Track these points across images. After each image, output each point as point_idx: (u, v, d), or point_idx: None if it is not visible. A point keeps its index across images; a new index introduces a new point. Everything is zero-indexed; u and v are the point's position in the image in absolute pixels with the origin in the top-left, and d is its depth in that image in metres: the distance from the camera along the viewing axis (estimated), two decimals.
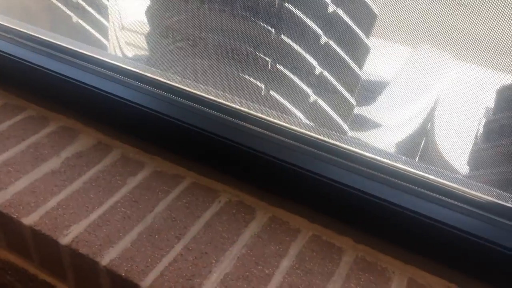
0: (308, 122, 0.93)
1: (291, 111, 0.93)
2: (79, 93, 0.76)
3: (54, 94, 0.79)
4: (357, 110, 0.98)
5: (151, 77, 0.77)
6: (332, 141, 0.66)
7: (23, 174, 0.68)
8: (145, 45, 1.38)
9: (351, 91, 0.92)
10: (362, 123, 1.04)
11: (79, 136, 0.77)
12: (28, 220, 0.62)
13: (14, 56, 0.81)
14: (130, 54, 1.51)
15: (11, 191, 0.66)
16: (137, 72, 0.78)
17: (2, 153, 0.72)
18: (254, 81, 0.91)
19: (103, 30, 1.35)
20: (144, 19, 1.13)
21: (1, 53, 0.82)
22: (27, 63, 0.80)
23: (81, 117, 0.79)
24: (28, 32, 0.85)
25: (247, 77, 0.90)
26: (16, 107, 0.81)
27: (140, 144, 0.74)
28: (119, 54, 1.46)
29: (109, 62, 0.80)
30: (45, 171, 0.69)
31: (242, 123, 0.70)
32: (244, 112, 0.70)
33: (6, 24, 0.88)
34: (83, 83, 0.76)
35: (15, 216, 0.62)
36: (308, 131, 0.68)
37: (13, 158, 0.71)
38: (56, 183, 0.67)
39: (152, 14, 1.03)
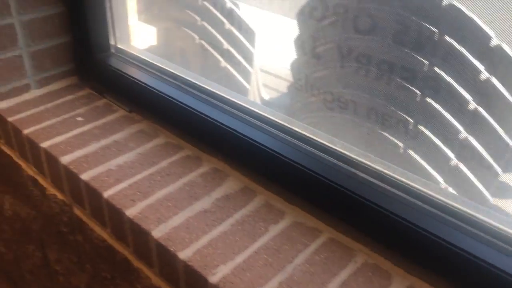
0: (447, 186, 0.91)
1: (429, 173, 0.92)
2: (226, 137, 0.84)
3: (207, 136, 0.88)
4: (502, 177, 0.93)
5: (292, 129, 0.82)
6: (475, 214, 0.64)
7: (179, 210, 0.77)
8: (284, 90, 1.45)
9: (498, 158, 0.88)
10: (506, 190, 0.99)
11: (228, 178, 0.84)
12: (183, 254, 0.69)
13: (175, 99, 0.92)
14: (267, 96, 1.60)
15: (170, 225, 0.74)
16: (278, 122, 0.84)
17: (164, 187, 0.81)
18: (394, 139, 0.92)
19: (246, 75, 1.46)
20: (286, 65, 1.21)
21: (165, 96, 0.93)
22: (184, 106, 0.90)
23: (229, 160, 0.86)
24: (186, 78, 0.97)
25: (387, 134, 0.92)
26: (176, 146, 0.92)
27: (282, 192, 0.79)
28: (258, 96, 1.56)
29: (252, 110, 0.87)
30: (198, 209, 0.77)
31: (382, 184, 0.71)
32: (387, 174, 0.72)
33: (169, 69, 1.01)
34: (230, 127, 0.84)
35: (172, 250, 0.70)
36: (451, 200, 0.67)
37: (172, 193, 0.80)
38: (207, 222, 0.74)
39: (297, 66, 1.10)
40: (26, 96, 1.05)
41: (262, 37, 1.50)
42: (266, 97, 1.63)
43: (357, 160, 0.75)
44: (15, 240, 1.31)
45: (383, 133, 0.92)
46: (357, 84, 0.90)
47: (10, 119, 0.98)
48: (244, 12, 1.50)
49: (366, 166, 0.73)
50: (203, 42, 1.46)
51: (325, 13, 0.87)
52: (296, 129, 0.83)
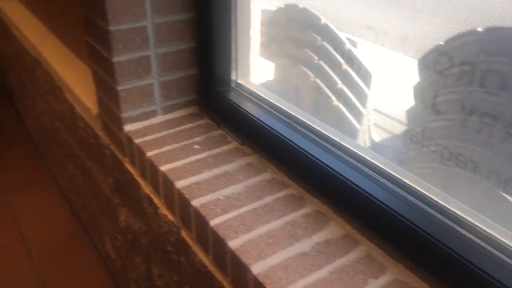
0: None
1: None
2: (332, 181, 0.83)
3: (313, 177, 0.89)
4: None
5: (402, 180, 0.79)
6: None
7: (279, 249, 0.78)
8: (397, 132, 1.41)
9: None
10: None
11: (330, 223, 0.83)
12: None
13: (284, 137, 0.94)
14: (378, 138, 1.57)
15: (269, 262, 0.75)
16: (387, 171, 0.82)
17: (266, 223, 0.83)
18: None
19: (358, 115, 1.45)
20: (402, 107, 1.17)
21: (276, 133, 0.96)
22: (292, 144, 0.91)
23: (333, 204, 0.86)
24: (298, 116, 0.98)
25: (510, 198, 0.84)
26: (282, 183, 0.94)
27: (386, 246, 0.76)
28: (369, 137, 1.53)
29: (361, 155, 0.86)
30: (298, 251, 0.77)
31: (499, 254, 0.65)
32: (507, 244, 0.66)
33: (281, 107, 1.04)
34: (337, 171, 0.83)
35: None
36: None
37: (274, 231, 0.82)
38: (305, 265, 0.74)
39: (413, 114, 1.07)
40: (152, 121, 1.15)
41: (379, 75, 1.48)
42: (377, 138, 1.59)
43: (472, 224, 0.70)
44: (125, 250, 1.42)
45: (505, 195, 0.84)
46: (479, 143, 0.85)
47: (136, 141, 1.08)
48: (363, 50, 1.50)
49: (482, 231, 0.68)
50: (317, 80, 1.48)
51: (449, 67, 0.84)
52: (406, 181, 0.80)
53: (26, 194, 2.36)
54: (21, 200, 2.33)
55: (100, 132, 1.31)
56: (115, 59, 1.04)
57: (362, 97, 1.43)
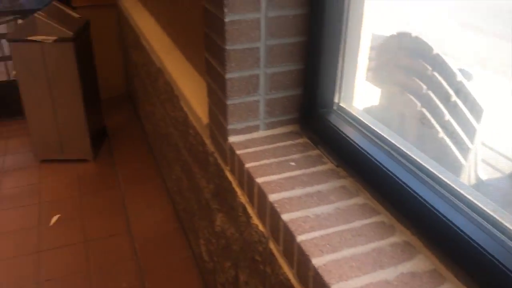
0: None
1: None
2: (426, 214, 0.82)
3: (406, 208, 0.88)
4: None
5: (505, 226, 0.76)
6: None
7: (362, 273, 0.79)
8: (506, 171, 1.33)
9: None
10: None
11: (418, 255, 0.82)
12: None
13: (381, 164, 0.94)
14: (485, 176, 1.48)
15: (350, 285, 0.76)
16: (488, 213, 0.78)
17: (352, 247, 0.84)
18: None
19: (464, 150, 1.39)
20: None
21: (373, 159, 0.97)
22: (389, 172, 0.91)
23: (424, 237, 0.84)
24: (398, 146, 0.98)
25: None
26: (373, 210, 0.94)
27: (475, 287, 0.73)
28: (474, 174, 1.45)
29: (462, 193, 0.83)
30: (380, 278, 0.78)
31: None
32: None
33: (382, 134, 1.04)
34: (432, 205, 0.82)
35: None
36: None
37: (358, 255, 0.83)
38: None
39: None
40: (255, 135, 1.22)
41: (494, 109, 1.41)
42: (484, 176, 1.51)
43: None
44: (217, 254, 1.51)
45: None
46: None
47: (238, 152, 1.15)
48: (477, 82, 1.44)
49: None
50: (424, 110, 1.45)
51: None
52: (507, 225, 0.76)
53: (138, 190, 2.59)
54: (132, 195, 2.56)
55: (208, 141, 1.41)
56: (228, 75, 1.13)
57: (471, 132, 1.37)
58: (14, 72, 3.09)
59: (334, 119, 1.13)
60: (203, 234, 1.68)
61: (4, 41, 3.38)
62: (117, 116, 3.38)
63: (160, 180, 2.55)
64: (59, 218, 2.43)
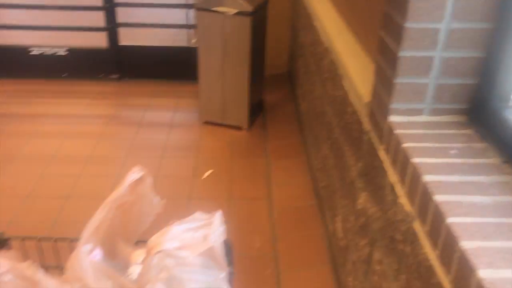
0: None
1: None
2: None
3: None
4: None
5: None
6: None
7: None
8: None
9: None
10: None
11: None
12: None
13: None
14: None
15: (500, 274, 0.73)
16: None
17: (508, 240, 0.80)
18: None
19: None
20: None
21: None
22: None
23: None
24: None
25: None
26: None
27: None
28: None
29: None
30: None
31: None
32: None
33: None
34: None
35: None
36: None
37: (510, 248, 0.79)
38: None
39: None
40: (417, 119, 1.20)
41: None
42: None
43: None
44: (353, 232, 1.53)
45: None
46: None
47: (396, 131, 1.16)
48: None
49: None
50: None
51: None
52: None
53: (282, 163, 2.72)
54: (277, 167, 2.70)
55: (365, 119, 1.43)
56: (401, 53, 1.13)
57: None
58: (193, 40, 3.45)
59: (510, 115, 1.06)
60: (341, 212, 1.72)
61: (190, 11, 3.78)
62: (275, 93, 3.56)
63: (305, 157, 2.64)
64: (211, 173, 2.68)
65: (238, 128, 3.15)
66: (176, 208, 2.50)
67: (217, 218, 0.84)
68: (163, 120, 3.30)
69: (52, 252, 1.03)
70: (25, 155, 2.82)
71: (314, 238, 2.08)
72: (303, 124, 2.84)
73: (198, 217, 0.83)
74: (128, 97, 3.67)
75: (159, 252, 0.73)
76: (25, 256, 0.96)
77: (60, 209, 2.36)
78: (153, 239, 0.75)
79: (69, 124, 3.19)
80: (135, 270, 0.90)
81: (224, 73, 3.01)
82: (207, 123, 3.21)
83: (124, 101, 3.63)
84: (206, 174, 2.68)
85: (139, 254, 0.93)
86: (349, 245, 1.58)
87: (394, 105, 1.20)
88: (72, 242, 1.00)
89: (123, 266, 0.92)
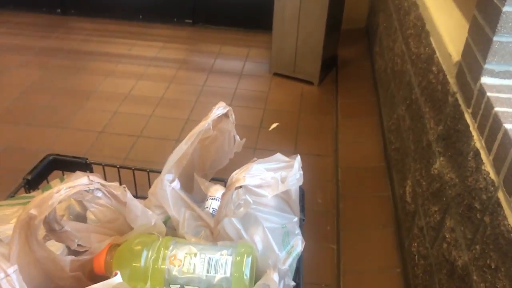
0: None
1: None
2: None
3: None
4: None
5: None
6: None
7: None
8: None
9: None
10: None
11: None
12: None
13: None
14: None
15: None
16: None
17: None
18: None
19: None
20: None
21: None
22: None
23: None
24: None
25: None
26: None
27: None
28: None
29: None
30: None
31: None
32: None
33: None
34: None
35: None
36: None
37: None
38: None
39: None
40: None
41: None
42: None
43: None
44: (424, 197, 1.47)
45: None
46: None
47: (489, 94, 1.07)
48: None
49: None
50: None
51: None
52: None
53: (352, 121, 2.65)
54: (346, 125, 2.63)
55: (452, 80, 1.34)
56: (505, 8, 1.02)
57: None
58: None
59: None
60: (412, 176, 1.65)
61: None
62: (350, 48, 3.43)
63: (377, 118, 2.55)
64: (277, 126, 2.67)
65: (309, 82, 3.08)
66: (241, 157, 2.53)
67: (297, 162, 0.83)
68: (233, 68, 3.29)
69: (129, 181, 1.07)
70: (101, 93, 2.94)
71: (379, 200, 2.04)
72: (378, 83, 2.73)
73: (278, 159, 0.83)
74: (200, 43, 3.68)
75: (240, 187, 0.73)
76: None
77: (130, 147, 2.46)
78: (234, 175, 0.75)
79: (143, 66, 3.27)
80: (210, 205, 0.92)
81: (299, 24, 2.92)
82: (277, 74, 3.17)
83: (196, 46, 3.65)
84: (273, 126, 2.66)
85: (215, 190, 0.94)
86: (418, 210, 1.52)
87: (488, 66, 1.11)
88: (150, 172, 1.03)
89: (199, 200, 0.93)
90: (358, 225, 1.95)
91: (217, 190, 0.94)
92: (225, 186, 0.95)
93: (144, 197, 0.88)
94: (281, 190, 0.77)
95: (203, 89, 3.02)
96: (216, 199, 0.93)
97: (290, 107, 2.85)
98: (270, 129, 2.65)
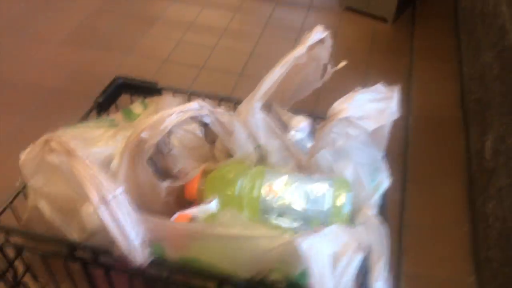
0: None
1: None
2: None
3: None
4: None
5: None
6: None
7: None
8: None
9: None
10: None
11: None
12: None
13: None
14: None
15: None
16: None
17: None
18: None
19: None
20: None
21: None
22: None
23: None
24: None
25: None
26: None
27: None
28: None
29: None
30: None
31: None
32: None
33: None
34: None
35: None
36: None
37: None
38: None
39: None
40: None
41: None
42: None
43: None
44: (509, 155, 1.34)
45: None
46: None
47: None
48: None
49: None
50: None
51: None
52: None
53: (428, 66, 2.46)
54: (421, 69, 2.45)
55: None
56: None
57: None
58: None
59: None
60: (495, 131, 1.51)
61: None
62: None
63: (457, 63, 2.35)
64: (344, 65, 2.52)
65: (383, 19, 2.86)
66: (307, 96, 2.44)
67: (396, 94, 0.78)
68: (302, 0, 3.11)
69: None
70: (166, 20, 2.88)
71: (451, 153, 1.91)
72: (462, 25, 2.48)
73: (379, 89, 0.78)
74: None
75: (342, 119, 0.69)
76: None
77: (194, 78, 2.42)
78: (336, 105, 0.71)
79: None
80: (294, 136, 0.88)
81: None
82: (348, 9, 2.96)
83: None
84: (340, 65, 2.52)
85: (298, 121, 0.90)
86: (499, 168, 1.40)
87: None
88: (221, 101, 0.99)
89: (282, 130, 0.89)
90: (426, 177, 1.85)
91: (300, 122, 0.90)
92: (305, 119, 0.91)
93: None
94: (382, 123, 0.73)
95: (270, 21, 2.88)
96: (300, 131, 0.89)
97: (361, 45, 2.68)
98: (337, 68, 2.50)
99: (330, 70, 0.90)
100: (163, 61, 2.52)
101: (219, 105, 0.99)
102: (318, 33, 0.83)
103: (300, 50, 0.80)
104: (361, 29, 2.82)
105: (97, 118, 0.97)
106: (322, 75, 0.89)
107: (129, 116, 0.94)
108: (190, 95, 1.01)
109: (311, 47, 0.86)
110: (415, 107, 2.19)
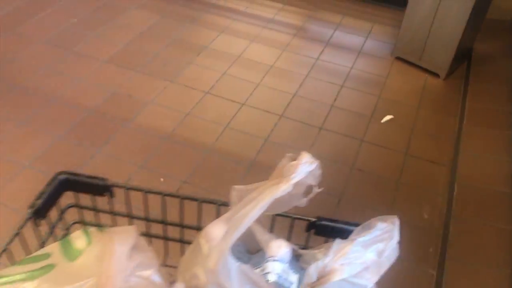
0: None
1: None
2: None
3: None
4: None
5: None
6: None
7: None
8: None
9: None
10: None
11: None
12: None
13: None
14: None
15: None
16: None
17: None
18: None
19: None
20: None
21: None
22: None
23: None
24: None
25: None
26: None
27: None
28: None
29: None
30: None
31: None
32: None
33: None
34: None
35: None
36: None
37: None
38: None
39: None
40: None
41: None
42: None
43: None
44: None
45: None
46: None
47: None
48: None
49: None
50: None
51: None
52: None
53: (480, 131, 2.33)
54: (472, 133, 2.31)
55: None
56: None
57: None
58: None
59: None
60: None
61: None
62: (489, 42, 3.00)
63: (511, 132, 2.21)
64: (391, 119, 2.42)
65: (434, 74, 2.74)
66: (347, 149, 2.35)
67: (396, 229, 0.68)
68: (352, 44, 3.03)
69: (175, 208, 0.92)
70: (213, 50, 2.85)
71: (499, 233, 1.77)
72: None
73: (379, 227, 0.68)
74: (321, 10, 3.43)
75: (338, 281, 0.59)
76: (128, 207, 0.88)
77: (233, 114, 2.37)
78: (328, 262, 0.61)
79: (258, 27, 3.12)
80: (273, 269, 0.73)
81: (439, 4, 2.56)
82: (399, 59, 2.86)
83: (316, 13, 3.41)
84: (386, 118, 2.42)
85: (277, 247, 0.75)
86: None
87: None
88: (202, 202, 0.84)
89: (258, 259, 0.75)
90: (468, 257, 1.71)
91: (280, 248, 0.75)
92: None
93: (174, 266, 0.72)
94: (382, 273, 0.63)
95: (317, 63, 2.81)
96: (279, 261, 0.73)
97: (409, 100, 2.57)
98: (383, 121, 2.40)
99: (316, 190, 0.75)
100: (205, 92, 2.48)
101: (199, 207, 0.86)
102: (306, 165, 0.69)
103: (284, 188, 0.67)
104: (410, 81, 2.72)
105: (34, 227, 0.79)
106: (306, 195, 0.74)
107: (68, 251, 0.73)
108: (145, 193, 0.85)
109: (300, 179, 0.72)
110: (461, 176, 2.06)
